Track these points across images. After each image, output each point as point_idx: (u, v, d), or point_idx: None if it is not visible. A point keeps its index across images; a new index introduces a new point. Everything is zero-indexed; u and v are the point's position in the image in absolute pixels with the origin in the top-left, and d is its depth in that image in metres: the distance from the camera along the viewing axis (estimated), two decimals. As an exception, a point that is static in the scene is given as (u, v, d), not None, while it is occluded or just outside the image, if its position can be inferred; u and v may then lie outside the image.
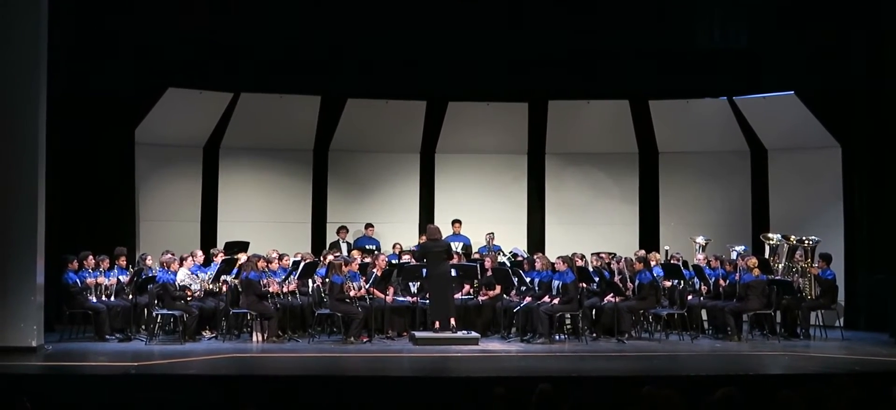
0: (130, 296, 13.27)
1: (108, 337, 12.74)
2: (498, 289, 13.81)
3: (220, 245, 15.26)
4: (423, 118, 16.70)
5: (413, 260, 14.03)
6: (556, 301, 13.01)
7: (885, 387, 7.09)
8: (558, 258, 13.37)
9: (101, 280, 13.09)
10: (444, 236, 14.02)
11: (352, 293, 12.90)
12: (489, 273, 13.96)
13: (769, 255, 14.46)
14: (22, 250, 11.60)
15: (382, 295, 13.57)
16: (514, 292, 13.78)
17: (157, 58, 15.04)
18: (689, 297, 13.78)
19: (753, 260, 13.43)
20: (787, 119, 15.62)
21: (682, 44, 15.92)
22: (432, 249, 13.26)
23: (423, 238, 15.55)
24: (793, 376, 10.11)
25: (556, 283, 13.12)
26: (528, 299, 13.45)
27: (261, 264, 12.96)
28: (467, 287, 14.07)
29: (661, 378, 9.63)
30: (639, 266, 13.57)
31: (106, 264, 13.22)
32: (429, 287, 13.30)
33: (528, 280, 13.56)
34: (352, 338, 12.63)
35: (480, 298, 13.92)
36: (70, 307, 12.86)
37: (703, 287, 13.91)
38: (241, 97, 15.97)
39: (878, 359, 11.59)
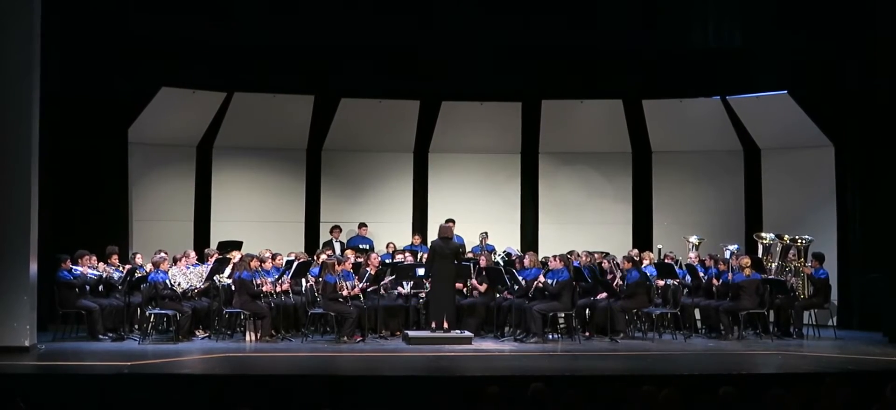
0: (124, 296, 13.25)
1: (101, 336, 12.73)
2: (483, 287, 13.77)
3: (214, 244, 15.28)
4: (416, 117, 16.70)
5: (423, 259, 14.02)
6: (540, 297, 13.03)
7: (879, 387, 7.12)
8: (553, 257, 13.35)
9: (99, 266, 13.19)
10: (454, 235, 13.92)
11: (345, 292, 12.90)
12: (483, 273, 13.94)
13: (762, 254, 14.46)
14: (15, 250, 11.58)
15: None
16: (506, 291, 13.76)
17: (150, 57, 15.01)
18: (685, 291, 13.82)
19: (746, 260, 13.44)
20: (780, 118, 15.64)
21: (675, 43, 15.91)
22: (441, 250, 13.21)
23: (417, 238, 15.61)
24: (786, 375, 10.13)
25: (545, 280, 13.07)
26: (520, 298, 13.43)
27: (254, 263, 12.95)
28: (459, 285, 14.03)
29: (655, 377, 9.63)
30: (627, 264, 13.57)
31: (94, 260, 13.23)
32: (431, 288, 13.29)
33: (521, 278, 13.55)
34: (345, 338, 12.63)
35: (474, 292, 13.89)
36: (63, 306, 12.83)
37: (692, 282, 13.92)
38: (235, 96, 15.96)
39: (872, 359, 11.60)
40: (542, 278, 13.10)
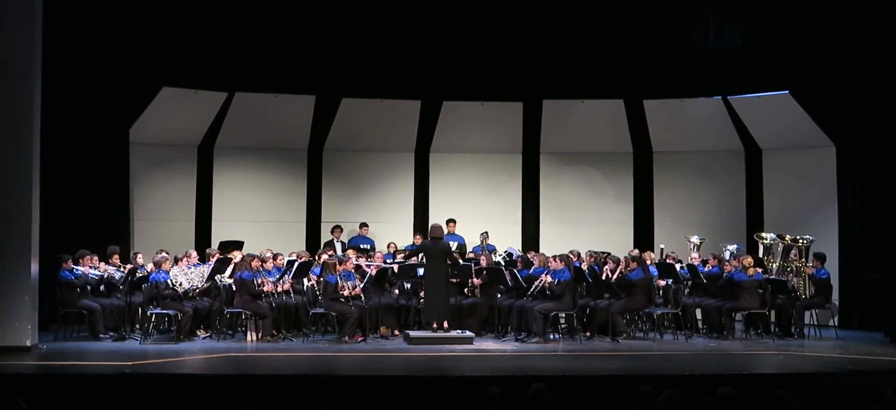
0: (125, 296, 13.25)
1: (102, 336, 12.74)
2: (478, 281, 13.77)
3: (215, 244, 15.27)
4: (417, 117, 16.69)
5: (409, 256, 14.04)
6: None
7: (880, 387, 7.11)
8: (553, 257, 13.34)
9: (100, 266, 13.18)
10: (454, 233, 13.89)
11: (346, 292, 12.90)
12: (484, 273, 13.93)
13: (763, 254, 14.47)
14: (16, 250, 11.59)
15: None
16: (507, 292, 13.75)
17: (151, 57, 15.00)
18: (686, 291, 13.79)
19: (748, 260, 13.44)
20: (781, 118, 15.63)
21: (676, 43, 15.89)
22: (432, 249, 13.23)
23: (418, 238, 15.60)
24: (787, 375, 10.12)
25: (549, 280, 13.06)
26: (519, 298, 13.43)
27: (255, 263, 12.95)
28: (455, 281, 13.99)
29: (656, 377, 9.63)
30: (633, 265, 13.54)
31: (96, 260, 13.23)
32: (424, 287, 13.29)
33: (520, 276, 13.52)
34: (346, 338, 12.64)
35: (475, 292, 13.89)
36: (64, 306, 12.84)
37: (691, 283, 13.89)
38: (236, 96, 15.95)
39: (873, 359, 11.60)
40: (547, 278, 13.08)
